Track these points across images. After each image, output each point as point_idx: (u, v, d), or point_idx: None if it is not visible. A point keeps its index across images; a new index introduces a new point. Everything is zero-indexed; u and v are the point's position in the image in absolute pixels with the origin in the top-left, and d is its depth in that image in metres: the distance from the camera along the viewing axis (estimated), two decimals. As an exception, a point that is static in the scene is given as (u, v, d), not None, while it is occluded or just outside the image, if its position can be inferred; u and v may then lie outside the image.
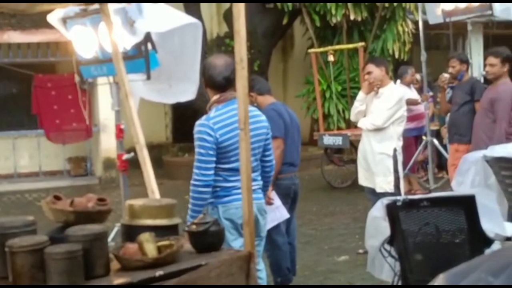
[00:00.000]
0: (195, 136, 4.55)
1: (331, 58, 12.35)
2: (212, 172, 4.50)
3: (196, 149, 4.54)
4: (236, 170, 4.42)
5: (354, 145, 11.98)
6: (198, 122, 4.58)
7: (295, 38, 16.61)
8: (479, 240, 4.12)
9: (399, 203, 4.27)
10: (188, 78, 6.27)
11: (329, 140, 11.65)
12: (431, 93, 10.87)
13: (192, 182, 4.53)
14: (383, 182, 7.11)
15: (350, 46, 12.98)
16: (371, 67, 7.26)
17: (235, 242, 4.51)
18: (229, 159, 4.52)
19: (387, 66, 7.47)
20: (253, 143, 4.47)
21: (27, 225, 3.55)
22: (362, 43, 12.22)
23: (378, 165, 7.12)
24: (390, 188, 7.07)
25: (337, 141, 11.51)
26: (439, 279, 2.27)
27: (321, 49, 13.14)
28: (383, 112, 7.10)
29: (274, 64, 15.74)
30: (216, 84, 4.62)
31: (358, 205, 9.98)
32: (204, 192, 4.51)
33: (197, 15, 11.21)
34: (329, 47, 12.61)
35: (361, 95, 7.37)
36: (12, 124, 14.56)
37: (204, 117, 4.59)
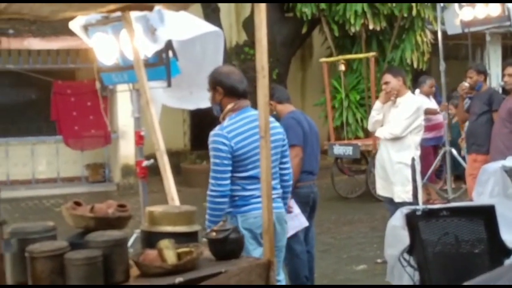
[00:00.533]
0: (210, 146, 4.54)
1: (342, 67, 12.26)
2: (228, 181, 4.49)
3: (212, 159, 4.53)
4: (253, 178, 4.42)
5: (364, 155, 11.97)
6: (212, 132, 4.57)
7: (314, 47, 16.61)
8: (499, 251, 4.10)
9: (418, 213, 4.26)
10: None
11: (339, 150, 11.58)
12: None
13: (208, 192, 4.52)
14: (401, 191, 7.09)
15: (362, 56, 12.97)
16: (388, 77, 7.27)
17: (255, 252, 4.49)
18: (246, 167, 4.52)
19: (404, 76, 7.48)
20: (272, 149, 4.46)
21: (47, 230, 3.58)
22: (373, 53, 12.14)
23: (396, 174, 7.10)
24: (408, 197, 7.05)
25: (348, 151, 11.46)
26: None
27: (333, 59, 13.12)
28: (401, 122, 7.10)
29: (293, 73, 15.74)
30: (238, 92, 4.61)
31: (376, 214, 9.95)
32: (220, 203, 4.50)
33: (217, 23, 11.24)
34: (340, 57, 12.52)
35: (377, 104, 7.38)
36: (31, 130, 14.65)
37: (218, 127, 4.59)
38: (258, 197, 4.36)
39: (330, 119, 12.86)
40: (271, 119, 4.85)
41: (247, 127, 4.44)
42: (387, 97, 7.22)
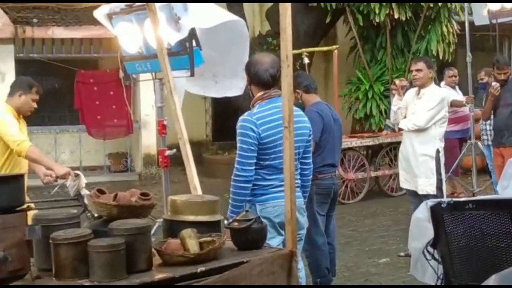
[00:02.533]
0: (238, 131, 4.54)
1: (306, 60, 11.40)
2: (253, 167, 4.50)
3: (238, 144, 4.53)
4: (274, 168, 4.41)
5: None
6: (241, 118, 4.58)
7: (338, 38, 16.51)
8: (525, 245, 4.03)
9: (443, 205, 4.20)
10: (236, 74, 6.30)
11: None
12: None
13: (233, 177, 4.53)
14: (426, 184, 7.04)
15: (325, 48, 12.76)
16: (422, 65, 7.23)
17: (273, 241, 4.49)
18: (269, 156, 4.51)
19: (434, 70, 7.49)
20: (295, 142, 4.44)
21: (70, 218, 3.58)
22: (336, 46, 11.73)
23: (421, 166, 7.05)
24: (432, 190, 6.99)
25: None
26: (492, 280, 2.23)
27: (296, 51, 11.42)
28: (425, 113, 7.05)
29: (316, 63, 15.66)
30: (262, 81, 4.60)
31: (399, 207, 9.89)
32: (245, 188, 4.51)
33: (240, 13, 11.21)
34: (303, 49, 11.57)
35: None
36: (54, 119, 14.73)
37: (247, 113, 4.60)
38: (277, 186, 4.41)
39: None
40: (300, 112, 4.84)
41: (276, 116, 4.42)
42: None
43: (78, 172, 5.63)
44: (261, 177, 4.55)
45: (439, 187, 7.04)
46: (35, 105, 6.22)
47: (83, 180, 5.48)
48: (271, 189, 4.53)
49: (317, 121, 5.93)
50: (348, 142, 11.07)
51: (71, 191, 5.62)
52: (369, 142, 11.49)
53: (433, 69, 7.41)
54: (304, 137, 4.74)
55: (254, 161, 4.50)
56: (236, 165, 4.51)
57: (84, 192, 5.24)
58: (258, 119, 4.51)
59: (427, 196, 6.89)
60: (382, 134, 11.87)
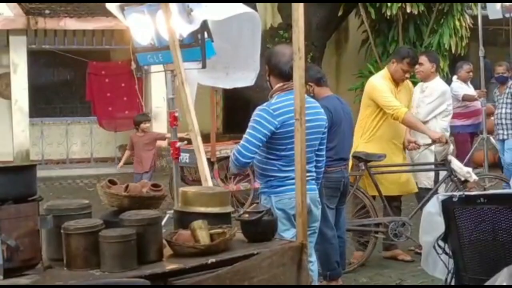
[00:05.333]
0: (253, 118, 4.54)
1: None
2: (253, 156, 4.51)
3: (249, 129, 4.53)
4: (290, 159, 4.39)
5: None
6: (259, 107, 4.60)
7: (350, 31, 16.46)
8: (537, 239, 4.01)
9: (455, 199, 4.18)
10: (247, 66, 6.31)
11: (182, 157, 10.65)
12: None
13: (231, 157, 4.57)
14: (424, 177, 7.13)
15: None
16: (423, 59, 7.36)
17: (287, 233, 4.48)
18: (285, 146, 4.51)
19: (438, 63, 7.59)
20: (311, 134, 4.49)
21: (82, 208, 3.60)
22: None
23: (421, 159, 7.16)
24: (429, 183, 7.08)
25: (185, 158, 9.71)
26: (504, 273, 2.22)
27: None
28: (425, 106, 7.26)
29: (328, 57, 15.60)
30: (283, 73, 4.60)
31: (410, 201, 9.85)
32: (237, 168, 4.59)
33: (252, 5, 11.18)
34: None
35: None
36: (65, 111, 14.77)
37: (266, 103, 4.61)
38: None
39: None
40: (317, 104, 4.84)
41: (293, 108, 4.43)
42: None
43: (448, 138, 6.79)
44: (277, 168, 4.56)
45: (435, 181, 7.11)
46: (407, 75, 6.95)
47: (451, 147, 6.65)
48: (287, 181, 4.52)
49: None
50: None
51: (438, 156, 6.80)
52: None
53: (437, 63, 7.50)
54: (321, 129, 4.76)
55: (257, 150, 4.51)
56: (239, 147, 4.52)
57: (451, 158, 6.69)
58: (275, 109, 4.51)
59: (426, 190, 7.10)
60: None
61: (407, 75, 6.99)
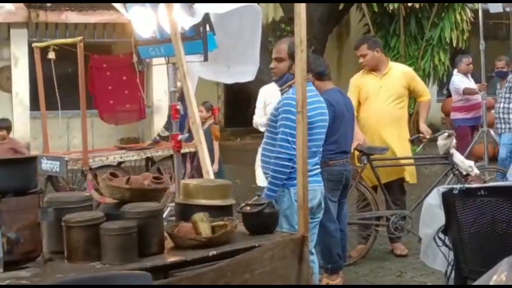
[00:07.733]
0: (285, 109, 4.51)
1: (51, 55, 10.05)
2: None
3: (285, 122, 4.50)
4: (310, 151, 4.34)
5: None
6: (285, 97, 4.58)
7: (351, 25, 16.45)
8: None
9: (455, 192, 4.20)
10: (247, 59, 6.30)
11: (47, 165, 9.92)
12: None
13: (276, 155, 4.51)
14: None
15: (69, 41, 10.50)
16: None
17: None
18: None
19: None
20: (318, 128, 4.56)
21: (83, 200, 3.60)
22: (80, 37, 9.82)
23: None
24: None
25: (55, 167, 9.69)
26: (504, 264, 2.23)
27: (42, 44, 10.35)
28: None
29: (329, 51, 15.61)
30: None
31: (411, 195, 9.86)
32: (287, 166, 4.49)
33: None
34: (50, 42, 10.21)
35: None
36: (66, 104, 14.74)
37: (288, 95, 4.58)
38: (310, 170, 4.37)
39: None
40: (320, 97, 4.83)
41: (312, 99, 4.50)
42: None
43: (452, 132, 6.90)
44: (296, 160, 4.56)
45: None
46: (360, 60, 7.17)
47: (454, 141, 6.74)
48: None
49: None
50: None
51: (440, 150, 6.81)
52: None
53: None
54: (326, 123, 4.79)
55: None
56: (282, 143, 4.49)
57: (453, 151, 6.84)
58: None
59: None
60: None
61: (360, 61, 7.19)
